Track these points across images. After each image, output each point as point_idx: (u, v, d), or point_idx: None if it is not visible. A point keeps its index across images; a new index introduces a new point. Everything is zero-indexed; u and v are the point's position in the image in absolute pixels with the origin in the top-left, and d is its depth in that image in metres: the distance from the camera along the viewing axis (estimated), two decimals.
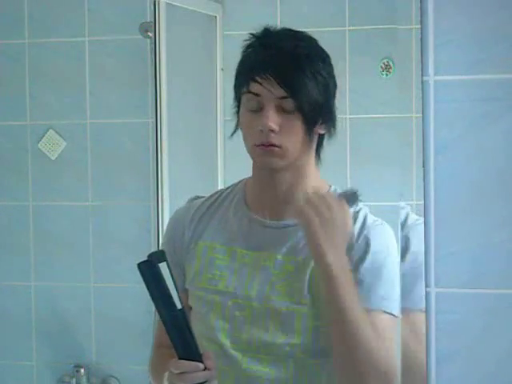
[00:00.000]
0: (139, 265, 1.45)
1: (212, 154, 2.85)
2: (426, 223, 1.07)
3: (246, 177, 1.66)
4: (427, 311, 1.07)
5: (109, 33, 2.85)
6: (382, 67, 2.75)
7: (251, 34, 1.57)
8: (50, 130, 2.91)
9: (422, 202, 1.08)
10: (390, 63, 2.72)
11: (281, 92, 1.50)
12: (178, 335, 1.46)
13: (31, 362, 2.96)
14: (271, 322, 1.56)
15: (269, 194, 1.59)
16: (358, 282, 1.49)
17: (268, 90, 1.50)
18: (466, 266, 1.06)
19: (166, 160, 2.51)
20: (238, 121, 1.60)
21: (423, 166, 1.06)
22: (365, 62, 2.77)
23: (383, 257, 1.52)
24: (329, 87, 1.55)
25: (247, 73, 1.54)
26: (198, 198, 1.66)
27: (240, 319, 1.57)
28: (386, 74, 2.73)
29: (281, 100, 1.50)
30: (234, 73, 2.87)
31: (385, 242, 1.54)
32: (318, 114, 1.53)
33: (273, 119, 1.50)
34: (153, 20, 2.51)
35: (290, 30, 1.58)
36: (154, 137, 2.54)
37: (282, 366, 1.56)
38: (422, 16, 1.05)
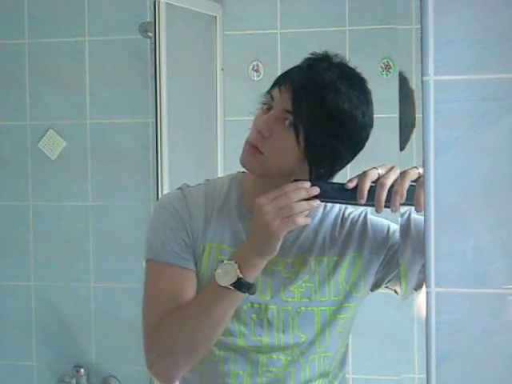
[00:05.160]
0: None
1: (212, 153, 2.85)
2: (425, 223, 1.07)
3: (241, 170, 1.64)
4: (427, 311, 1.07)
5: (109, 33, 2.85)
6: (382, 67, 2.76)
7: (326, 52, 1.52)
8: (50, 130, 2.91)
9: None
10: (390, 63, 2.72)
11: (288, 106, 1.48)
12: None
13: (31, 362, 2.96)
14: (291, 323, 1.57)
15: None
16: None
17: (280, 98, 1.49)
18: (465, 266, 1.06)
19: (165, 160, 2.51)
20: None
21: (423, 166, 1.06)
22: (365, 62, 2.77)
23: None
24: (341, 135, 1.49)
25: (279, 78, 1.53)
26: (189, 186, 1.63)
27: (257, 322, 1.57)
28: (386, 74, 2.74)
29: (285, 113, 1.49)
30: (234, 73, 2.88)
31: None
32: (314, 146, 1.48)
33: (267, 124, 1.49)
34: (153, 20, 2.51)
35: (349, 71, 1.52)
36: (154, 137, 2.54)
37: (301, 363, 1.58)
38: (421, 16, 1.05)
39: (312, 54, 1.53)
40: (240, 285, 1.45)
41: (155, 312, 1.55)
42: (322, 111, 1.47)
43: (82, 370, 2.90)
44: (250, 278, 1.46)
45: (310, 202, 1.43)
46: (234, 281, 1.45)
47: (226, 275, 1.45)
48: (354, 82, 1.51)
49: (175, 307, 1.52)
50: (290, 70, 1.53)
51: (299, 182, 1.44)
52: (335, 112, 1.47)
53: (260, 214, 1.43)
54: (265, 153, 1.49)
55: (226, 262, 1.47)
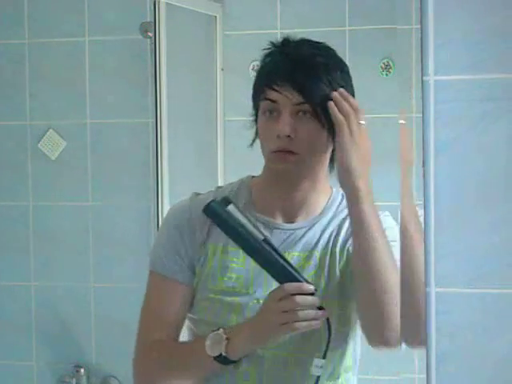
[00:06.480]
0: (207, 205, 1.49)
1: (212, 153, 2.85)
2: (425, 223, 1.07)
3: (248, 174, 1.66)
4: (427, 311, 1.07)
5: (109, 33, 2.85)
6: (382, 67, 2.76)
7: (271, 42, 1.59)
8: (50, 130, 2.91)
9: (422, 202, 1.08)
10: (390, 63, 2.72)
11: (298, 98, 1.51)
12: (272, 264, 1.48)
13: (31, 362, 2.96)
14: None
15: (282, 198, 1.59)
16: None
17: (285, 97, 1.51)
18: (466, 266, 1.06)
19: (165, 160, 2.51)
20: (256, 129, 1.60)
21: (423, 166, 1.06)
22: (365, 62, 2.77)
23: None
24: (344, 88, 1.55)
25: (265, 81, 1.56)
26: (198, 194, 1.65)
27: None
28: (386, 74, 2.74)
29: (298, 106, 1.52)
30: (234, 73, 2.88)
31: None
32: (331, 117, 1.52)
33: (289, 125, 1.51)
34: (153, 20, 2.51)
35: (309, 41, 1.59)
36: (154, 137, 2.54)
37: (306, 362, 1.55)
38: (421, 16, 1.05)
39: (270, 43, 1.60)
40: (221, 359, 1.51)
41: (148, 325, 1.67)
42: (326, 85, 1.52)
43: (82, 370, 2.89)
44: (234, 357, 1.51)
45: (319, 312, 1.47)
46: (216, 355, 1.51)
47: (212, 346, 1.52)
48: (322, 44, 1.59)
49: (167, 344, 1.63)
50: (265, 68, 1.59)
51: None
52: (333, 78, 1.53)
53: (267, 312, 1.49)
54: (299, 152, 1.53)
55: (219, 331, 1.52)
